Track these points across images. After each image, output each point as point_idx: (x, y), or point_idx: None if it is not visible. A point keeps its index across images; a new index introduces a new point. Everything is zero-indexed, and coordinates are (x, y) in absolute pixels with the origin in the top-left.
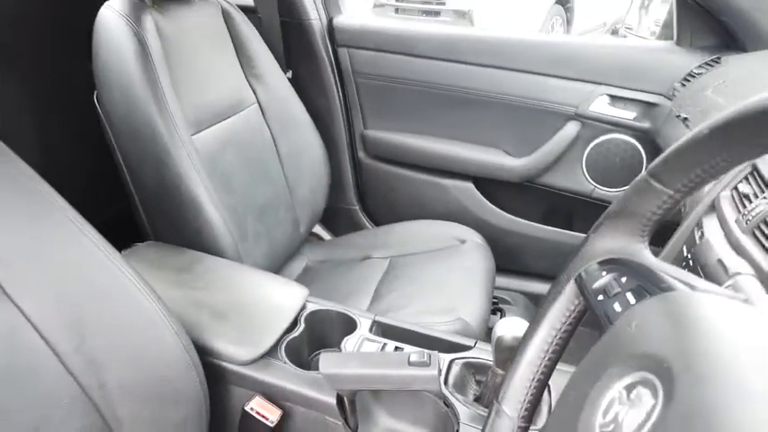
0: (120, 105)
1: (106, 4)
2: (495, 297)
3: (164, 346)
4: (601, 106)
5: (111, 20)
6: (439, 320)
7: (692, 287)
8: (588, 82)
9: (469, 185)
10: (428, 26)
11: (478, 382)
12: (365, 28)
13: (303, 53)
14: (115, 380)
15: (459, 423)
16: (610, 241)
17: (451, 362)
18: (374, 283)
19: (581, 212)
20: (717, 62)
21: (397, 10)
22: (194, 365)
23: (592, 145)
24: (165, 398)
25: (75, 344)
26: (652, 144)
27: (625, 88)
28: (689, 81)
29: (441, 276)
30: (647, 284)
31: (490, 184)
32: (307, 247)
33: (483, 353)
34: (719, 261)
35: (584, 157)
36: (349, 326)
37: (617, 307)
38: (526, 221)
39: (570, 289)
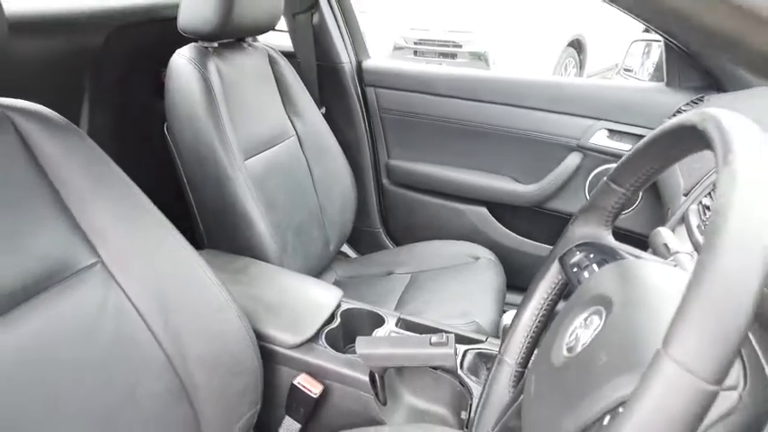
0: (187, 135)
1: (177, 51)
2: (504, 310)
3: (230, 327)
4: (600, 139)
5: (182, 64)
6: (455, 322)
7: (637, 257)
8: (589, 117)
9: (483, 210)
10: (445, 68)
11: (488, 369)
12: (390, 70)
13: (335, 92)
14: (193, 352)
15: (472, 398)
16: (583, 229)
17: (466, 351)
18: (398, 294)
19: None
20: (701, 100)
21: (415, 52)
22: (253, 344)
23: (593, 174)
24: (230, 369)
25: (164, 321)
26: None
27: (621, 123)
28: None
29: (457, 288)
30: (608, 257)
31: (502, 209)
32: (335, 264)
33: (493, 346)
34: (665, 245)
35: (587, 185)
36: (377, 322)
37: (586, 274)
38: (534, 242)
39: (555, 267)
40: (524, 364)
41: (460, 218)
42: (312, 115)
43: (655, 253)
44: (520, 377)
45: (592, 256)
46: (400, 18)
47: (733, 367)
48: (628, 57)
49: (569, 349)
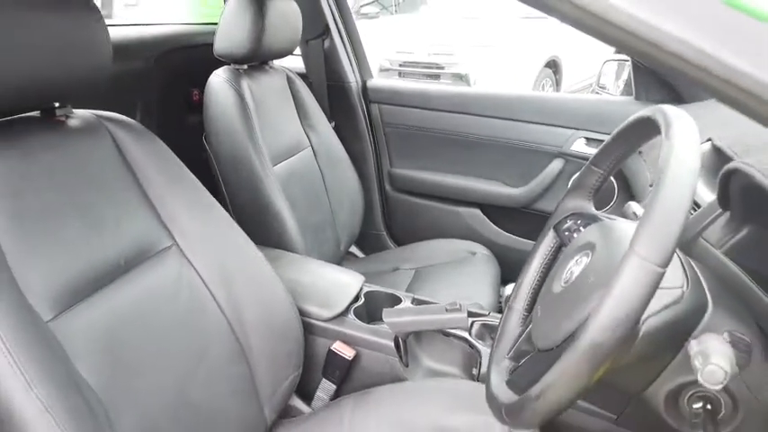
0: (225, 143)
1: (215, 72)
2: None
3: (278, 299)
4: (579, 146)
5: (219, 83)
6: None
7: (612, 219)
8: (569, 128)
9: (477, 211)
10: (441, 86)
11: (492, 337)
12: (392, 88)
13: (343, 108)
14: (249, 319)
15: (481, 358)
16: (572, 203)
17: (473, 322)
18: (404, 286)
19: None
20: None
21: (400, 74)
22: (296, 315)
23: (574, 177)
24: (278, 335)
25: (226, 293)
26: (619, 173)
27: (597, 132)
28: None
29: (458, 278)
30: (591, 221)
31: (494, 210)
32: (345, 263)
33: (495, 318)
34: (633, 212)
35: (569, 187)
36: (395, 302)
37: (575, 235)
38: (523, 239)
39: (551, 234)
40: (529, 308)
41: (457, 219)
42: (324, 129)
43: (625, 217)
44: (527, 318)
45: (579, 222)
46: (385, 41)
47: (678, 276)
48: (602, 76)
49: (566, 281)
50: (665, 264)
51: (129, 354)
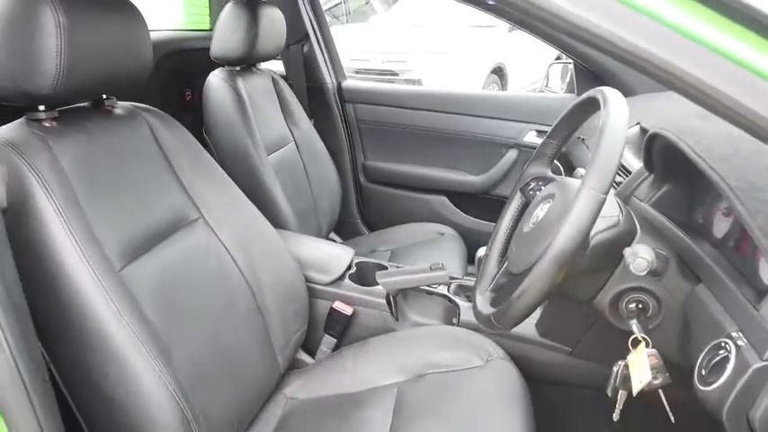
0: (224, 135)
1: (212, 73)
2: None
3: (287, 265)
4: (531, 138)
5: (217, 82)
6: None
7: (565, 178)
8: (522, 122)
9: (444, 198)
10: (409, 86)
11: (467, 296)
12: (364, 88)
13: (321, 107)
14: (264, 281)
15: (459, 310)
16: (533, 169)
17: (450, 283)
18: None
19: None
20: None
21: None
22: (302, 279)
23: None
24: (288, 295)
25: (244, 258)
26: (565, 158)
27: (546, 125)
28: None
29: (430, 254)
30: (550, 182)
31: (458, 196)
32: None
33: (468, 281)
34: (581, 175)
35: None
36: (381, 270)
37: (537, 193)
38: (485, 221)
39: (518, 195)
40: (503, 253)
41: (425, 205)
42: (306, 126)
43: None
44: (501, 260)
45: (540, 183)
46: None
47: (615, 209)
48: (550, 78)
49: (533, 223)
50: (606, 191)
51: (176, 300)
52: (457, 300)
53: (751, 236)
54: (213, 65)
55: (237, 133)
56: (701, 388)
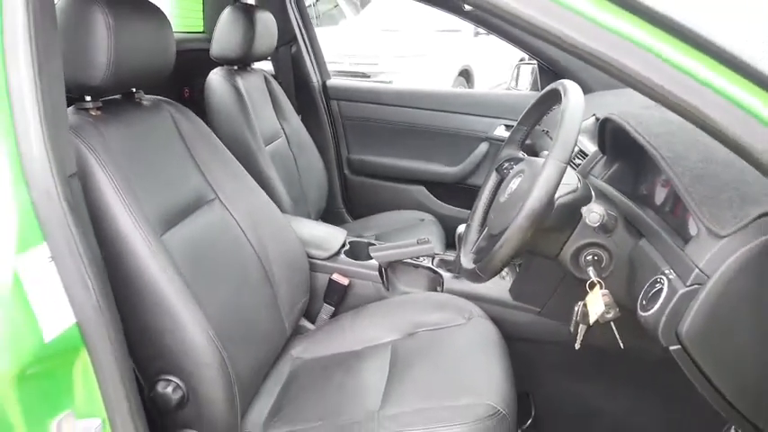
0: (225, 127)
1: (213, 71)
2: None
3: (291, 240)
4: (500, 132)
5: (218, 79)
6: None
7: (534, 158)
8: (492, 117)
9: (422, 188)
10: (389, 85)
11: (449, 269)
12: (348, 87)
13: (308, 104)
14: (272, 254)
15: (443, 279)
16: (506, 152)
17: (433, 258)
18: None
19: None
20: None
21: None
22: (304, 253)
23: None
24: (292, 267)
25: (255, 235)
26: (531, 149)
27: (513, 120)
28: (547, 114)
29: (412, 237)
30: (521, 161)
31: (435, 186)
32: None
33: (449, 256)
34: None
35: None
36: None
37: (511, 171)
38: (460, 209)
39: (494, 174)
40: (482, 222)
41: (405, 195)
42: (295, 121)
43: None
44: (481, 228)
45: (512, 163)
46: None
47: (574, 179)
48: (519, 78)
49: (509, 194)
50: (567, 161)
51: (202, 267)
52: (440, 271)
53: (679, 195)
54: (208, 65)
55: (238, 126)
56: (643, 314)
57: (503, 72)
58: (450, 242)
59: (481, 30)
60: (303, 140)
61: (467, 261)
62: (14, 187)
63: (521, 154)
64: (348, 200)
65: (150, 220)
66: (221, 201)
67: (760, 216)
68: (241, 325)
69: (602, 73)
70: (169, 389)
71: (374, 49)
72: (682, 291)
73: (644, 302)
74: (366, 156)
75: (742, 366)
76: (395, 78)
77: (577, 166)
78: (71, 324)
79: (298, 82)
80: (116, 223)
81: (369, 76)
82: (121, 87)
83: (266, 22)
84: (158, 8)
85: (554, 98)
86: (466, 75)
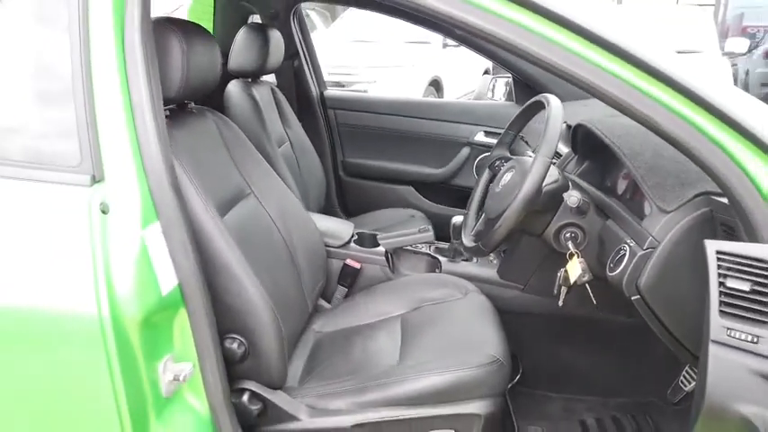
0: (244, 132)
1: (231, 83)
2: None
3: (311, 229)
4: (480, 137)
5: (236, 91)
6: None
7: (520, 156)
8: (473, 124)
9: (411, 188)
10: (381, 95)
11: (445, 255)
12: (343, 97)
13: (308, 112)
14: (296, 241)
15: (441, 264)
16: (498, 152)
17: (431, 245)
18: None
19: None
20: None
21: None
22: (322, 241)
23: (477, 159)
24: (312, 252)
25: (283, 224)
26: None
27: (492, 127)
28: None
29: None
30: (508, 160)
31: (423, 186)
32: None
33: (445, 244)
34: (529, 155)
35: (474, 166)
36: (375, 238)
37: (502, 168)
38: (445, 207)
39: (487, 171)
40: (479, 211)
41: (395, 195)
42: (297, 128)
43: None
44: (478, 215)
45: (503, 161)
46: None
47: (556, 173)
48: (494, 90)
49: (502, 185)
50: (552, 157)
51: (247, 248)
52: (438, 257)
53: (637, 183)
54: (222, 77)
55: (256, 132)
56: (611, 274)
57: (470, 82)
58: (439, 235)
59: (449, 42)
60: (304, 145)
61: (468, 241)
62: (138, 178)
63: (509, 154)
64: (343, 199)
65: (212, 206)
66: (255, 195)
67: (695, 196)
68: (278, 299)
69: (571, 85)
70: (234, 345)
71: (347, 60)
72: (640, 253)
73: (611, 266)
74: (360, 159)
75: (684, 308)
76: (369, 88)
77: (554, 164)
78: (176, 284)
79: (299, 92)
80: (191, 204)
81: (344, 86)
82: (184, 98)
83: (276, 39)
84: (211, 35)
85: (537, 108)
86: (436, 84)
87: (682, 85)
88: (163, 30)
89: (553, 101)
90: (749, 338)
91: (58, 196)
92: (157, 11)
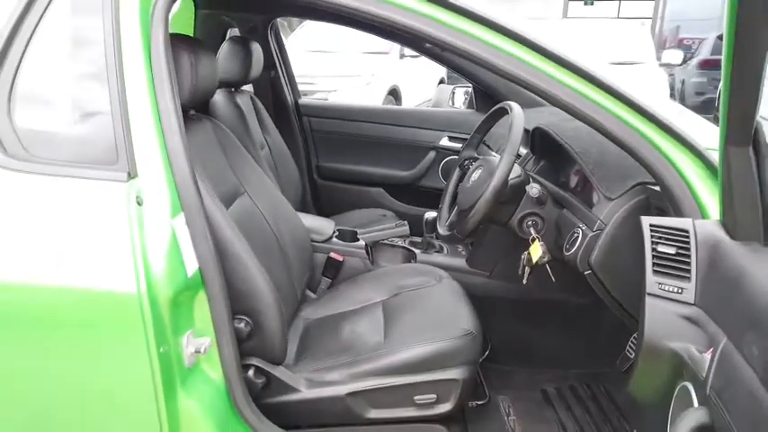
0: None
1: (217, 91)
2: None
3: (298, 226)
4: (445, 142)
5: (221, 99)
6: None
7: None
8: (438, 130)
9: (381, 190)
10: (353, 103)
11: (419, 248)
12: (317, 105)
13: (283, 119)
14: (285, 237)
15: (416, 256)
16: (466, 153)
17: (406, 239)
18: None
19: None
20: None
21: None
22: (308, 236)
23: (442, 162)
24: (300, 247)
25: (273, 221)
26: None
27: (455, 132)
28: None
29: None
30: (476, 159)
31: (392, 188)
32: None
33: (417, 239)
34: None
35: (439, 169)
36: (354, 234)
37: (471, 166)
38: (413, 206)
39: (457, 170)
40: (451, 204)
41: (367, 196)
42: (275, 134)
43: None
44: (451, 209)
45: (471, 161)
46: None
47: (519, 170)
48: (454, 99)
49: (473, 181)
50: (515, 155)
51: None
52: (413, 249)
53: (587, 177)
54: None
55: (241, 138)
56: (567, 254)
57: (426, 91)
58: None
59: (406, 52)
60: (282, 150)
61: (444, 230)
62: (166, 174)
63: (476, 154)
64: (318, 201)
65: (218, 200)
66: (249, 194)
67: (634, 186)
68: (277, 282)
69: (525, 94)
70: (242, 324)
71: (307, 70)
72: (590, 234)
73: (567, 246)
74: (333, 163)
75: (627, 278)
76: (330, 97)
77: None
78: (197, 268)
79: (275, 101)
80: (204, 199)
81: (306, 95)
82: (191, 106)
83: (257, 51)
84: (212, 51)
85: (501, 113)
86: (394, 93)
87: (623, 95)
88: (175, 46)
89: (515, 107)
90: (675, 290)
91: (100, 190)
92: None
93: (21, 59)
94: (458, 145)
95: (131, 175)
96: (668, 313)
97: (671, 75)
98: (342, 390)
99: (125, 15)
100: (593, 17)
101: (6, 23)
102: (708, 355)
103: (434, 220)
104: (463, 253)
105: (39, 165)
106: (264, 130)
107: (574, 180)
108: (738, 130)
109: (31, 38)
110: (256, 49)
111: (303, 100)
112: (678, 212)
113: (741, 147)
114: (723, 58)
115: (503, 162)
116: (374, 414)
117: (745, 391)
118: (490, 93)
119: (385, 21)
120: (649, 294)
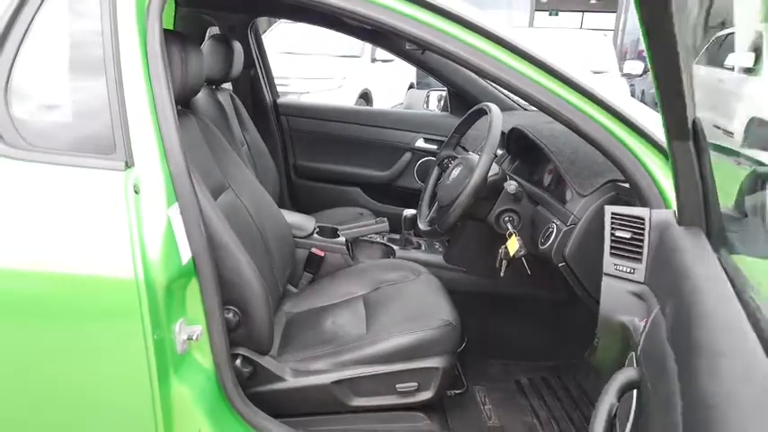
0: None
1: (201, 90)
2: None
3: (281, 221)
4: (420, 143)
5: (203, 97)
6: None
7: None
8: (414, 132)
9: (358, 189)
10: (330, 103)
11: (398, 244)
12: (295, 105)
13: (262, 118)
14: (269, 231)
15: (394, 251)
16: (445, 152)
17: (384, 236)
18: None
19: (416, 198)
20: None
21: None
22: (290, 231)
23: (418, 163)
24: (282, 240)
25: (257, 215)
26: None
27: (431, 134)
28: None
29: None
30: (455, 158)
31: (369, 187)
32: None
33: (395, 236)
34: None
35: (415, 170)
36: (335, 230)
37: (450, 165)
38: (389, 205)
39: (437, 168)
40: (431, 201)
41: (343, 195)
42: (254, 132)
43: None
44: (431, 205)
45: (450, 159)
46: None
47: (498, 168)
48: (429, 102)
49: (452, 178)
50: (494, 154)
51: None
52: (392, 245)
53: (561, 174)
54: None
55: (223, 134)
56: (542, 248)
57: (397, 95)
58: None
59: (378, 56)
60: (260, 148)
61: (424, 226)
62: (161, 164)
63: (454, 153)
64: (295, 199)
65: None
66: (233, 189)
67: (605, 183)
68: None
69: (498, 98)
70: (230, 314)
71: (280, 71)
72: (564, 229)
73: (542, 241)
74: (311, 162)
75: (598, 269)
76: (302, 98)
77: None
78: (191, 256)
79: (254, 100)
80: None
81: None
82: (179, 102)
83: (237, 50)
84: (199, 48)
85: (479, 114)
86: (366, 97)
87: (595, 95)
88: (166, 41)
89: (494, 108)
90: (628, 270)
91: (98, 179)
92: None
93: (18, 50)
94: (433, 146)
95: (129, 164)
96: (621, 291)
97: (631, 85)
98: (326, 378)
99: (122, 8)
100: (558, 27)
101: (3, 14)
102: (643, 323)
103: (414, 218)
104: (440, 250)
105: (38, 153)
106: (244, 128)
107: (548, 178)
108: (677, 128)
109: (28, 28)
110: (238, 47)
111: (282, 99)
112: (645, 205)
113: (683, 141)
114: (648, 61)
115: (483, 159)
116: (358, 402)
117: (658, 346)
118: (464, 96)
119: (370, 21)
120: (606, 274)
